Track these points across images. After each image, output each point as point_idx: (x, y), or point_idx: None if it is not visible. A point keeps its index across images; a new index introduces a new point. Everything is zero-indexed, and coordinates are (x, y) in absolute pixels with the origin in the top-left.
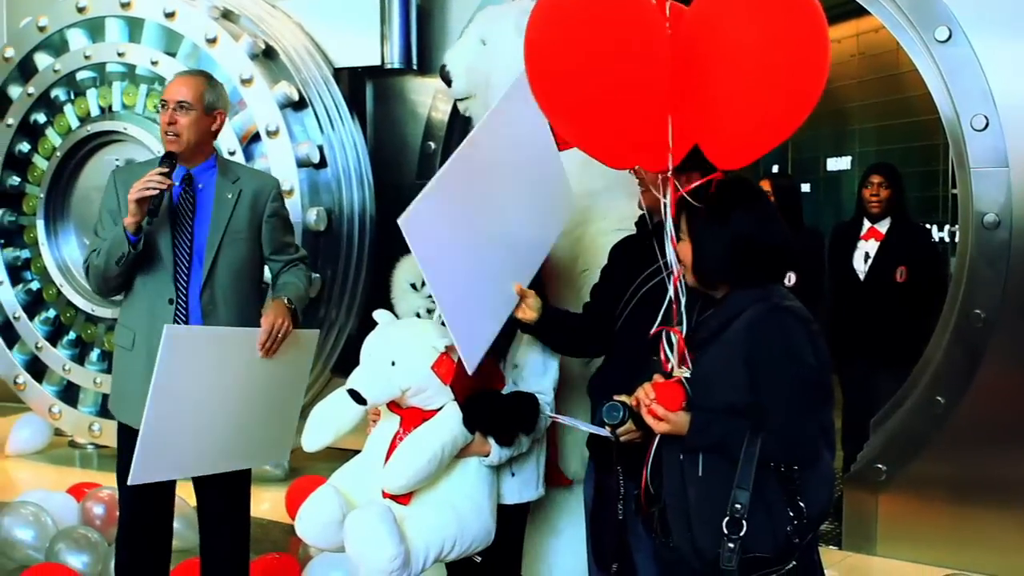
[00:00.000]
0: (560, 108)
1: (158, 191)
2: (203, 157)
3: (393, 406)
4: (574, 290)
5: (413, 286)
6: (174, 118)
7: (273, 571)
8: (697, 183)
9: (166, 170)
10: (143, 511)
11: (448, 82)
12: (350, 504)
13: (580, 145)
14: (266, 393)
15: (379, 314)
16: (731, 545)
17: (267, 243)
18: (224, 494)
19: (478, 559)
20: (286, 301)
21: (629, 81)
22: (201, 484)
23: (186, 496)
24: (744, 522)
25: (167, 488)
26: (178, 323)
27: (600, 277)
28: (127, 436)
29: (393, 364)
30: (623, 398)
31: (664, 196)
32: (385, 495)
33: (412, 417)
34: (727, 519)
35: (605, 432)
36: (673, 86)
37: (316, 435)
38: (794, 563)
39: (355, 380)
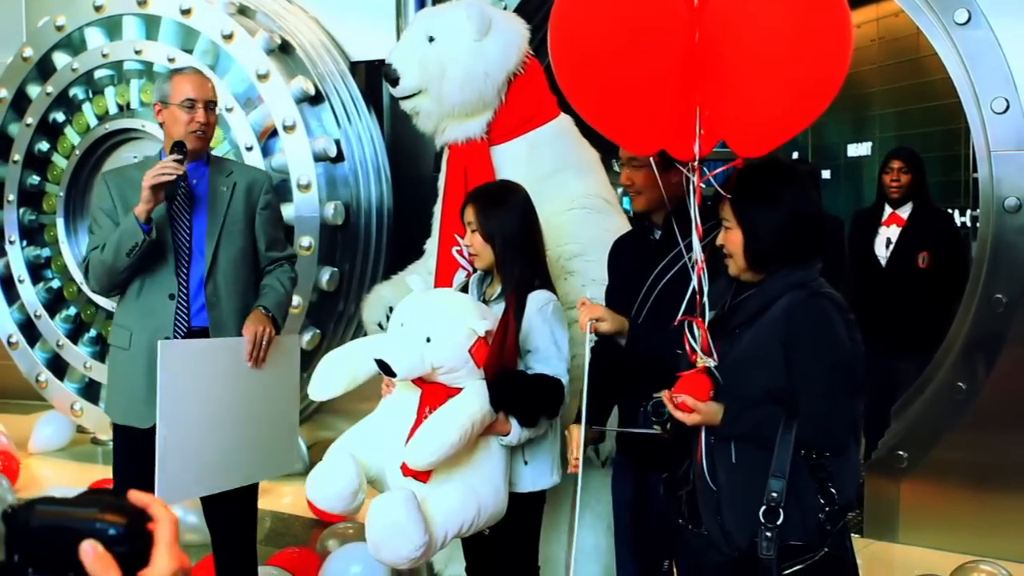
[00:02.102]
0: (584, 91)
1: (175, 176)
2: (198, 153)
3: (416, 379)
4: None
5: (380, 325)
6: (207, 118)
7: (293, 565)
8: (719, 170)
9: (180, 157)
10: None
11: (394, 80)
12: (364, 469)
13: (604, 130)
14: (263, 402)
15: (413, 280)
16: (768, 534)
17: (260, 236)
18: (232, 504)
19: (487, 532)
20: (262, 310)
21: (654, 64)
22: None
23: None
24: (781, 510)
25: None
26: (180, 318)
27: (610, 284)
28: (123, 438)
29: (428, 340)
30: (664, 395)
31: (690, 188)
32: (406, 472)
33: (435, 393)
34: (764, 508)
35: (655, 430)
36: (698, 71)
37: (327, 383)
38: (826, 550)
39: (386, 351)
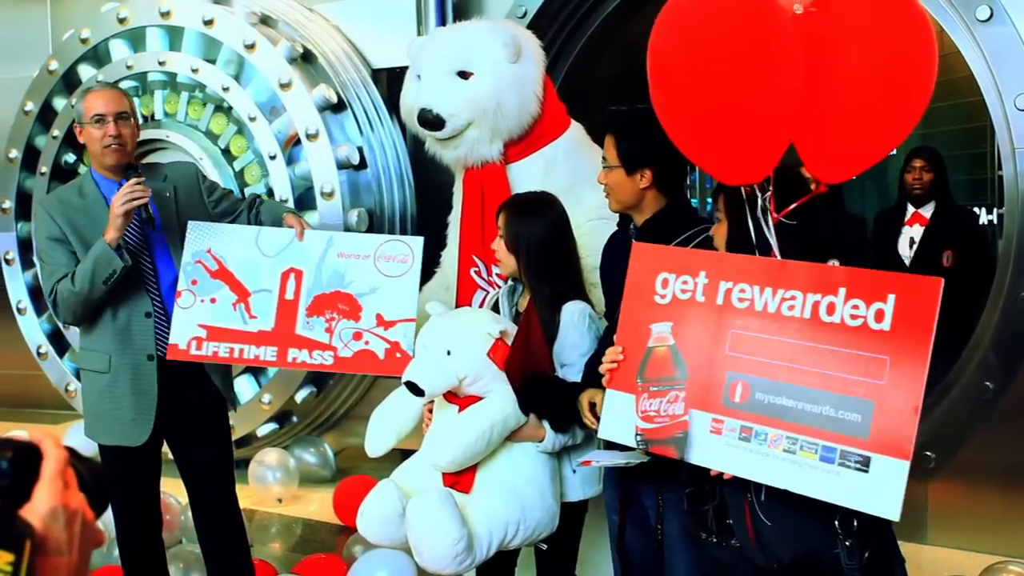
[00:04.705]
0: (681, 120)
1: (146, 199)
2: (124, 167)
3: (450, 396)
4: None
5: None
6: (118, 130)
7: (320, 571)
8: (797, 204)
9: (141, 179)
10: (136, 521)
11: (438, 125)
12: (410, 498)
13: (698, 160)
14: None
15: (432, 306)
16: (848, 543)
17: (219, 216)
18: (212, 489)
19: (543, 546)
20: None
21: (759, 90)
22: (190, 482)
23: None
24: (854, 517)
25: (155, 496)
26: (161, 333)
27: (602, 285)
28: (114, 460)
29: (449, 353)
30: None
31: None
32: (447, 482)
33: (470, 405)
34: (839, 516)
35: (643, 458)
36: (801, 97)
37: (380, 439)
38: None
39: (412, 372)
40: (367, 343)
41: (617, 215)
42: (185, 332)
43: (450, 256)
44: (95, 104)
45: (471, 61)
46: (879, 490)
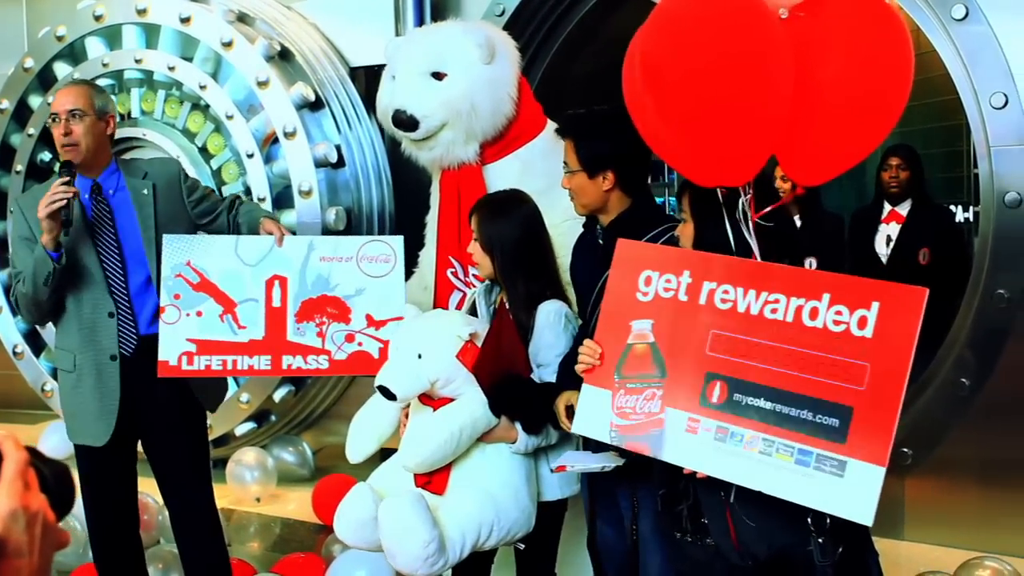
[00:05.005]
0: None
1: (65, 200)
2: (105, 163)
3: (425, 398)
4: None
5: None
6: (68, 128)
7: (298, 570)
8: (774, 206)
9: (67, 179)
10: (108, 521)
11: (411, 125)
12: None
13: (676, 162)
14: None
15: (407, 308)
16: (820, 540)
17: (198, 215)
18: (185, 489)
19: (520, 547)
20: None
21: (746, 96)
22: (163, 482)
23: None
24: (827, 516)
25: (130, 495)
26: (125, 333)
27: (573, 285)
28: (83, 460)
29: (420, 357)
30: None
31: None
32: (418, 483)
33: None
34: (811, 514)
35: (619, 461)
36: (787, 102)
37: (360, 445)
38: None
39: (384, 376)
40: (360, 344)
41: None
42: (174, 348)
43: (428, 257)
44: (55, 103)
45: (445, 62)
46: (854, 495)
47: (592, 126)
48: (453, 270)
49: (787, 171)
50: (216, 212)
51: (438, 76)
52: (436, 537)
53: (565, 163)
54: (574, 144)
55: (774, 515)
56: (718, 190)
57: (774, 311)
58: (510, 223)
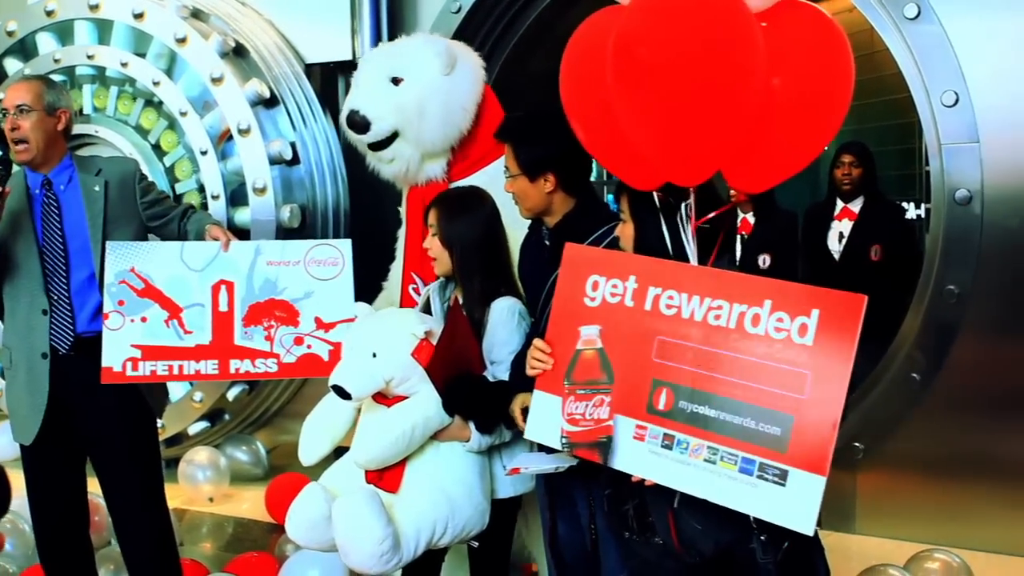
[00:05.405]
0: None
1: None
2: (57, 159)
3: (380, 397)
4: None
5: None
6: (16, 123)
7: (252, 569)
8: (713, 214)
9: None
10: (53, 521)
11: (363, 127)
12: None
13: (610, 163)
14: None
15: (358, 307)
16: (763, 538)
17: (150, 218)
18: (126, 489)
19: (474, 544)
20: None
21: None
22: (104, 482)
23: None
24: None
25: (77, 496)
26: (59, 331)
27: (523, 287)
28: (26, 456)
29: (374, 356)
30: None
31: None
32: (369, 479)
33: None
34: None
35: (572, 461)
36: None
37: (313, 447)
38: (787, 543)
39: (338, 375)
40: (310, 347)
41: None
42: (118, 354)
43: (397, 271)
44: (5, 99)
45: (405, 68)
46: (795, 504)
47: (530, 129)
48: (415, 286)
49: (729, 180)
50: (168, 217)
51: (396, 81)
52: (391, 534)
53: (506, 168)
54: (513, 148)
55: (719, 512)
56: (654, 193)
57: (717, 317)
58: (472, 220)
